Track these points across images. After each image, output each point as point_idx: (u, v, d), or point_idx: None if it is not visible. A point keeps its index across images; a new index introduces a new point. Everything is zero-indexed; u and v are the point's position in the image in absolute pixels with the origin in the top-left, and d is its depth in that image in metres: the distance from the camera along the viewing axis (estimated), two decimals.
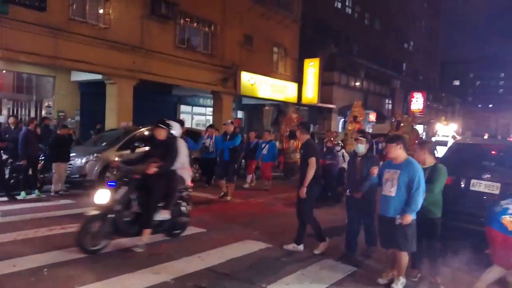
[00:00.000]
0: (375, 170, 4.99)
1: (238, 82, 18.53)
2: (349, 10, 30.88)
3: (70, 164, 9.80)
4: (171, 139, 5.72)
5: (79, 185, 10.14)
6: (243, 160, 13.00)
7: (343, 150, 10.17)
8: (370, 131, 20.18)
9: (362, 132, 6.85)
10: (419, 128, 28.04)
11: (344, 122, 26.25)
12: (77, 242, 4.97)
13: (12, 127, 10.38)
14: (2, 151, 8.74)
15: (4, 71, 13.15)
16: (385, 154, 5.41)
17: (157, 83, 15.41)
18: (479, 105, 77.29)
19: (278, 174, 14.04)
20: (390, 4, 35.60)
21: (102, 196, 5.08)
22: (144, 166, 5.26)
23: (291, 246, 5.75)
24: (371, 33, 33.21)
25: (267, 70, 20.59)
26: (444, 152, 7.06)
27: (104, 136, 12.25)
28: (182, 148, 5.92)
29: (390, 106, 33.15)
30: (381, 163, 5.56)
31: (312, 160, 5.57)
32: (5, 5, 10.04)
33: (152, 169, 5.18)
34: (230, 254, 5.37)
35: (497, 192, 5.64)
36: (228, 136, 9.37)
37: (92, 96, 15.04)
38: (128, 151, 10.71)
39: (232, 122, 9.82)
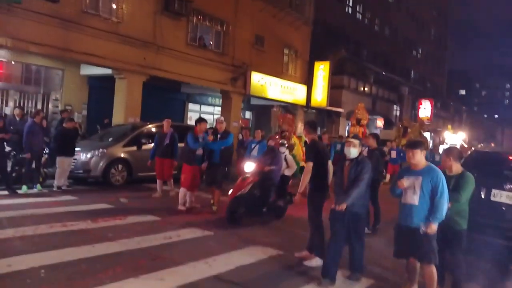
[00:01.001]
0: (403, 182, 4.21)
1: (248, 82, 18.32)
2: (359, 16, 30.71)
3: (75, 159, 9.57)
4: None
5: (83, 181, 9.93)
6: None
7: (286, 152, 8.27)
8: None
9: (356, 136, 5.46)
10: (426, 135, 27.63)
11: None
12: None
13: (18, 119, 10.15)
14: (5, 143, 8.52)
15: (13, 62, 12.99)
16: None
17: (166, 80, 15.22)
18: (485, 115, 76.84)
19: None
20: (399, 12, 35.47)
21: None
22: None
23: (313, 262, 5.12)
24: (380, 39, 33.01)
25: (277, 71, 20.35)
26: (461, 161, 6.80)
27: (110, 131, 12.05)
28: None
29: (398, 113, 32.81)
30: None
31: (309, 165, 5.20)
32: None
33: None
34: (239, 261, 5.10)
35: None
36: (219, 136, 8.10)
37: (100, 91, 14.87)
38: (135, 148, 10.56)
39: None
